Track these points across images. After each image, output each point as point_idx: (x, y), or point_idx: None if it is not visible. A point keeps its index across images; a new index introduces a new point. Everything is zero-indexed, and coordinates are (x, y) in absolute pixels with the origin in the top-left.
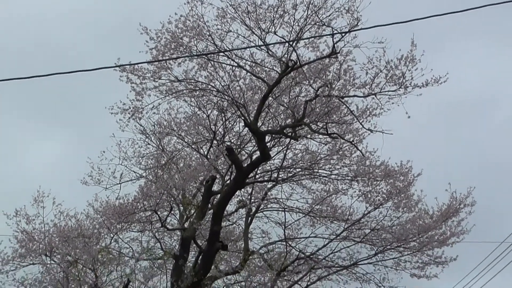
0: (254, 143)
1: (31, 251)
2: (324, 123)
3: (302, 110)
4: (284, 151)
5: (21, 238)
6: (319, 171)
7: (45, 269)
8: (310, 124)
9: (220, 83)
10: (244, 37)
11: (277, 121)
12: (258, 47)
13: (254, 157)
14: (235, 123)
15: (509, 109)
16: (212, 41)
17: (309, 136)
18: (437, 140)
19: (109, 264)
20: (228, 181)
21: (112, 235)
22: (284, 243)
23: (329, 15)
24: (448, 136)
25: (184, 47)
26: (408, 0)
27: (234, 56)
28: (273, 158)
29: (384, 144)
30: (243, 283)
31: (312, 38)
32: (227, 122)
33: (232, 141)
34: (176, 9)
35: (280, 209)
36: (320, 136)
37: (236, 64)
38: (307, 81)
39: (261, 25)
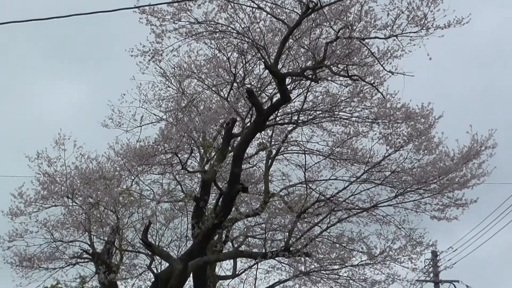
0: (274, 86)
1: (53, 193)
2: (345, 65)
3: (322, 52)
4: (305, 94)
5: (43, 180)
6: (340, 113)
7: (67, 211)
8: (331, 66)
9: (240, 25)
10: None
11: (297, 63)
12: None
13: (274, 99)
14: (255, 66)
15: None
16: None
17: (329, 78)
18: (458, 82)
19: (130, 206)
20: (249, 124)
21: (133, 178)
22: (304, 185)
23: None
24: (469, 78)
25: None
26: None
27: None
28: (293, 101)
29: (405, 86)
30: (263, 225)
31: None
32: (247, 65)
33: (253, 83)
34: None
35: (301, 152)
36: (341, 78)
37: (256, 6)
38: (328, 23)
39: None
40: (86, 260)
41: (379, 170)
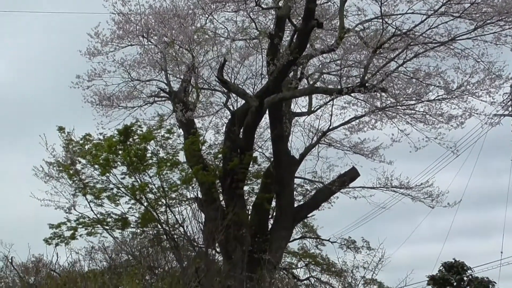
0: None
1: (129, 33)
2: None
3: None
4: None
5: (118, 20)
6: None
7: (143, 50)
8: None
9: None
10: None
11: None
12: None
13: None
14: None
15: None
16: None
17: None
18: None
19: (205, 44)
20: None
21: (206, 16)
22: (380, 20)
23: None
24: None
25: None
26: None
27: None
28: None
29: None
30: (338, 61)
31: None
32: None
33: None
34: None
35: None
36: None
37: None
38: None
39: None
40: (163, 98)
41: (457, 2)
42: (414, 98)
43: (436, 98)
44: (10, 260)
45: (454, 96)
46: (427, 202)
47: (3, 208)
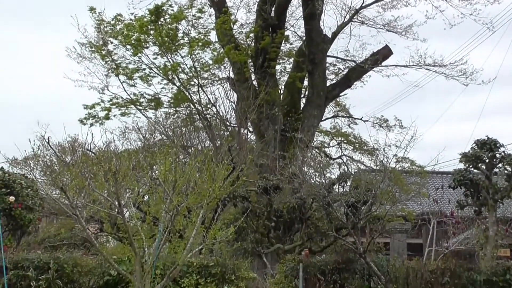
0: None
1: None
2: None
3: None
4: None
5: None
6: None
7: None
8: None
9: None
10: None
11: None
12: None
13: None
14: None
15: None
16: None
17: None
18: None
19: None
20: None
21: None
22: None
23: None
24: None
25: None
26: None
27: None
28: None
29: None
30: None
31: None
32: None
33: None
34: None
35: None
36: None
37: None
38: None
39: None
40: None
41: None
42: None
43: None
44: (47, 140)
45: None
46: (461, 80)
47: (37, 88)
